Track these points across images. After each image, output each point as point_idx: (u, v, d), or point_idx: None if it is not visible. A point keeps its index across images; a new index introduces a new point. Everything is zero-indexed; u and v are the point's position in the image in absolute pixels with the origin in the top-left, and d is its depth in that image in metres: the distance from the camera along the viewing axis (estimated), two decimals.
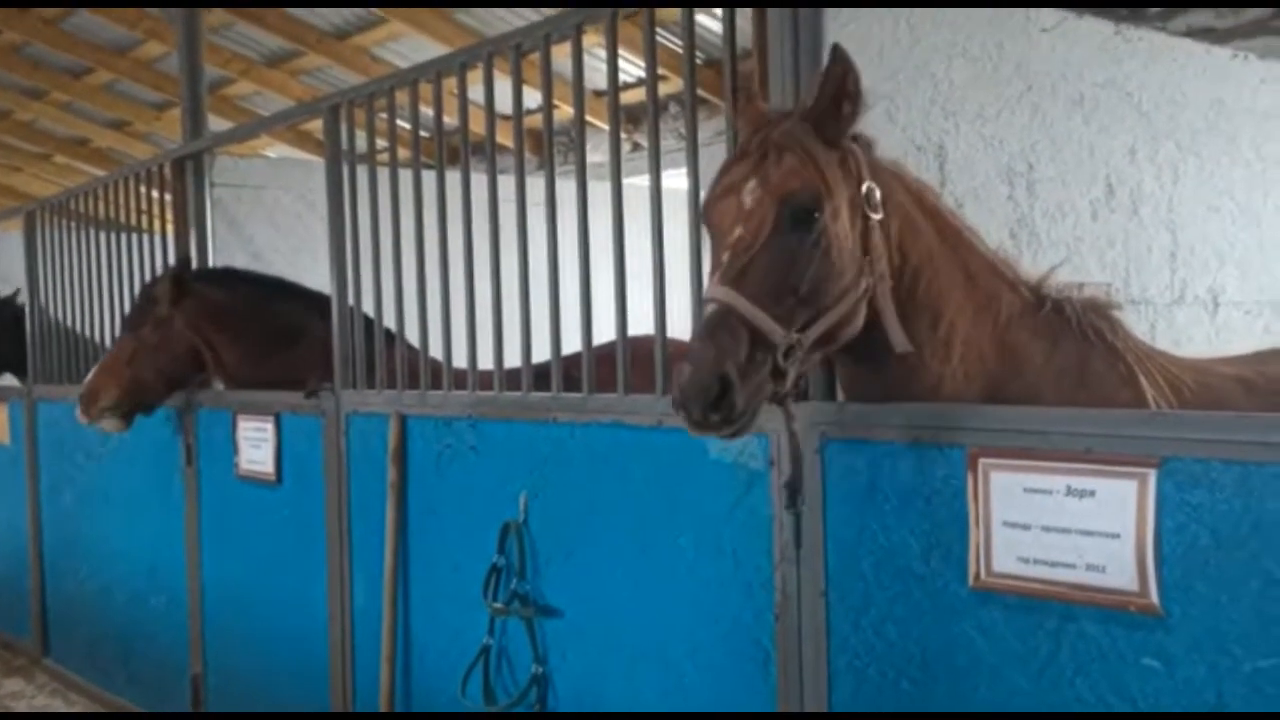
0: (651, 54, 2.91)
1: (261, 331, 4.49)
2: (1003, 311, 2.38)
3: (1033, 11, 2.98)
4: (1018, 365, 2.39)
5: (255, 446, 4.40)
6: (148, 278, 5.16)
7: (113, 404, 4.50)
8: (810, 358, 2.19)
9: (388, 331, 3.94)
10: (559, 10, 3.15)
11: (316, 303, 4.41)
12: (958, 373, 2.34)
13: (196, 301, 4.53)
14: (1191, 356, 2.83)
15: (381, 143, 4.00)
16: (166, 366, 4.57)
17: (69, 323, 6.06)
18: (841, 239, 2.11)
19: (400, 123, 3.89)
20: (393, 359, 3.84)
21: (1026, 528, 2.13)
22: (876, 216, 2.19)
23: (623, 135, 3.11)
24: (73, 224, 6.03)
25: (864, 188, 2.19)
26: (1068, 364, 2.42)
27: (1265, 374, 2.77)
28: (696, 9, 2.80)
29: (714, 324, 2.03)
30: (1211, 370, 2.73)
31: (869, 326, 2.24)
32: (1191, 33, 5.66)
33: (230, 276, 4.77)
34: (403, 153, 3.91)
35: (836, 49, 2.17)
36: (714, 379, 1.99)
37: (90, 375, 4.59)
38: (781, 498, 2.54)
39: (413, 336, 3.82)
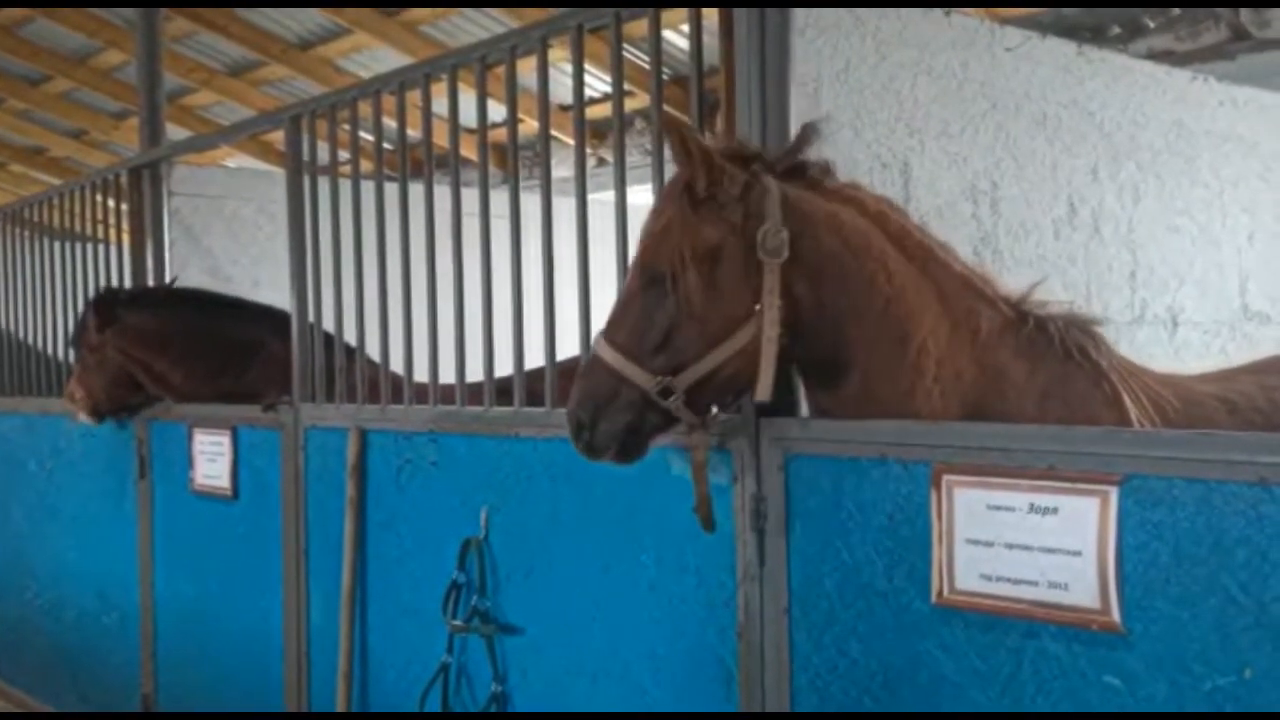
0: (618, 69, 2.90)
1: (208, 352, 4.42)
2: (981, 330, 2.35)
3: (997, 30, 3.01)
4: (999, 386, 2.36)
5: (211, 460, 4.33)
6: (103, 288, 5.07)
7: (85, 406, 4.63)
8: (706, 396, 2.32)
9: (347, 346, 3.89)
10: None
11: (267, 318, 4.35)
12: (933, 393, 2.32)
13: (125, 328, 4.48)
14: (1169, 372, 2.81)
15: (343, 154, 3.95)
16: (106, 390, 4.58)
17: (22, 334, 5.93)
18: (693, 293, 2.26)
19: (363, 134, 3.84)
20: (353, 373, 3.79)
21: (989, 545, 2.13)
22: (773, 260, 2.24)
23: (588, 150, 3.09)
24: (27, 233, 5.92)
25: (761, 231, 2.23)
26: (1050, 384, 2.39)
27: (1244, 392, 2.76)
28: (667, 26, 2.80)
29: (583, 371, 2.40)
30: (1193, 389, 2.71)
31: (825, 355, 2.34)
32: (1152, 55, 5.76)
33: (170, 297, 4.69)
34: (365, 165, 3.88)
35: (671, 120, 2.42)
36: (572, 418, 2.37)
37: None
38: (746, 514, 2.53)
39: (374, 350, 3.77)
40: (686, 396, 2.28)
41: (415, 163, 4.56)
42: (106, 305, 4.53)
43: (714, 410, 2.42)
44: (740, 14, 2.54)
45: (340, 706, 3.66)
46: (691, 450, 2.41)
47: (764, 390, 2.29)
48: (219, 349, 4.43)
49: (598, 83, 8.76)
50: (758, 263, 2.24)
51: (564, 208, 3.04)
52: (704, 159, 2.28)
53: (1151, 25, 6.10)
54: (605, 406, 2.31)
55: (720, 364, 2.27)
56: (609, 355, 2.32)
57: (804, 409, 2.56)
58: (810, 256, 2.29)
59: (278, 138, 10.40)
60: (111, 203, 5.27)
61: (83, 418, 4.68)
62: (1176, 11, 6.03)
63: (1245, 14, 5.73)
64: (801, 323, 2.32)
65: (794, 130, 2.54)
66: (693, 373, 2.27)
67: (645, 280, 2.32)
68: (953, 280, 2.38)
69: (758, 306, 2.25)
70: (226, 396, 4.33)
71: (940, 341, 2.33)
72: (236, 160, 11.95)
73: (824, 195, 2.36)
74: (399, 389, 3.60)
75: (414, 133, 3.80)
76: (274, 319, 4.27)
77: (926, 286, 2.34)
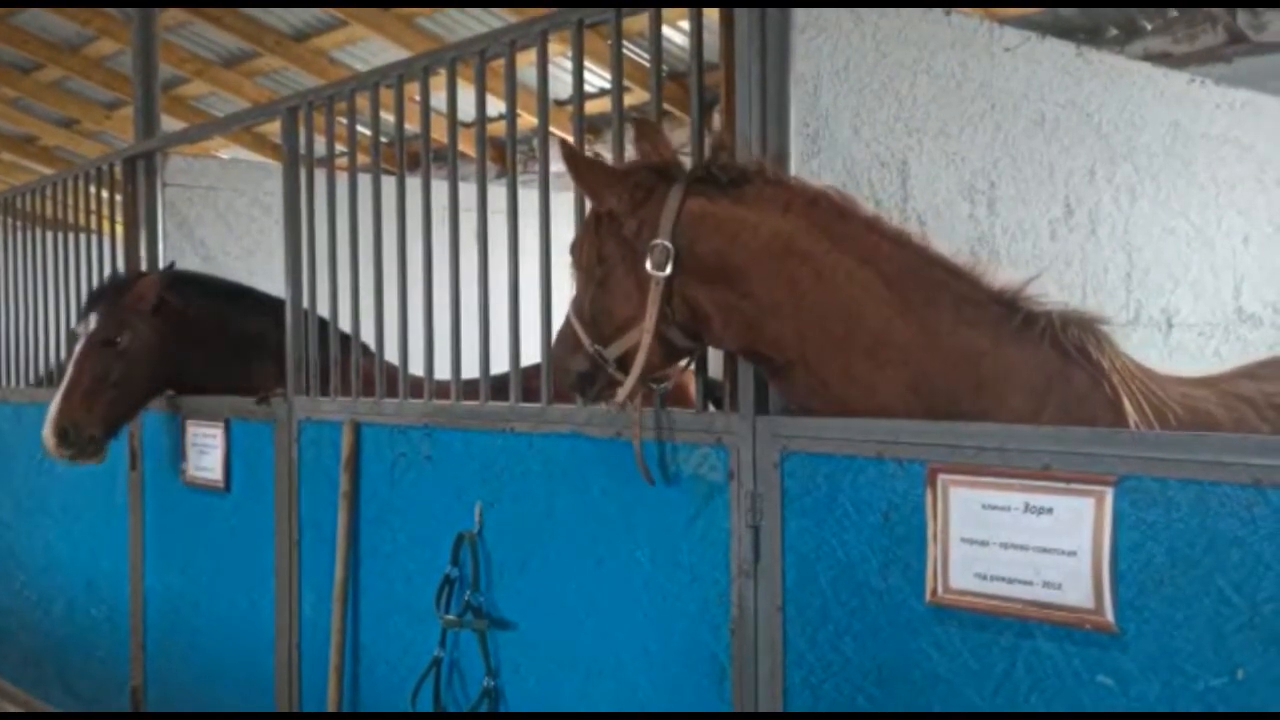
0: (618, 65, 2.90)
1: (222, 341, 4.34)
2: (944, 318, 2.34)
3: (996, 31, 3.01)
4: (972, 378, 2.34)
5: (203, 452, 4.31)
6: (94, 279, 5.04)
7: (100, 434, 4.10)
8: (630, 381, 2.48)
9: (344, 335, 3.87)
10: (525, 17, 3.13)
11: (278, 311, 4.30)
12: (890, 378, 2.33)
13: (169, 308, 4.26)
14: (1174, 375, 2.78)
15: (340, 147, 3.94)
16: (156, 375, 4.24)
17: (11, 324, 5.90)
18: (595, 293, 2.53)
19: (360, 128, 3.83)
20: (348, 364, 3.78)
21: (984, 544, 2.13)
22: (658, 274, 2.41)
23: (585, 145, 3.08)
24: (18, 223, 5.89)
25: (652, 245, 2.40)
26: (1045, 380, 2.35)
27: (1239, 396, 2.74)
28: (665, 22, 2.80)
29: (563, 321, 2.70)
30: (1200, 396, 2.67)
31: (756, 351, 2.45)
32: (1149, 57, 5.77)
33: (183, 280, 4.60)
34: (361, 158, 3.86)
35: (562, 144, 2.62)
36: (552, 355, 2.79)
37: (61, 403, 4.03)
38: (741, 511, 2.53)
39: (369, 344, 3.76)
40: (617, 365, 2.52)
41: (412, 156, 4.55)
42: (171, 281, 4.26)
43: (661, 382, 2.65)
44: (741, 12, 2.54)
45: (331, 701, 3.65)
46: (630, 413, 2.65)
47: (622, 392, 2.50)
48: (230, 339, 4.30)
49: (594, 78, 8.75)
50: (648, 275, 2.42)
51: (562, 202, 3.03)
52: (588, 176, 2.52)
53: (1149, 27, 6.12)
54: (569, 354, 2.63)
55: (626, 353, 2.50)
56: (572, 314, 2.63)
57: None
58: (709, 265, 2.40)
59: (271, 129, 10.41)
60: (105, 193, 5.24)
61: (88, 461, 4.10)
62: (1174, 14, 6.05)
63: (1242, 17, 5.75)
64: (712, 325, 2.45)
65: (794, 128, 2.55)
66: (610, 352, 2.53)
67: (574, 268, 2.62)
68: (905, 269, 2.36)
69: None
70: (232, 389, 4.25)
71: (891, 329, 2.33)
72: (229, 152, 11.91)
73: (737, 201, 2.40)
74: (394, 382, 3.59)
75: (412, 126, 3.79)
76: (281, 312, 4.17)
77: (868, 276, 2.34)
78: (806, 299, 2.35)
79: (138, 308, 4.21)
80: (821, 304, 2.35)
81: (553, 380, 2.85)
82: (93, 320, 4.21)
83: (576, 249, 2.62)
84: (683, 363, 2.68)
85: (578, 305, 2.60)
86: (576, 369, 2.61)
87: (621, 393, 2.53)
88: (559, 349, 2.69)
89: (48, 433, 4.02)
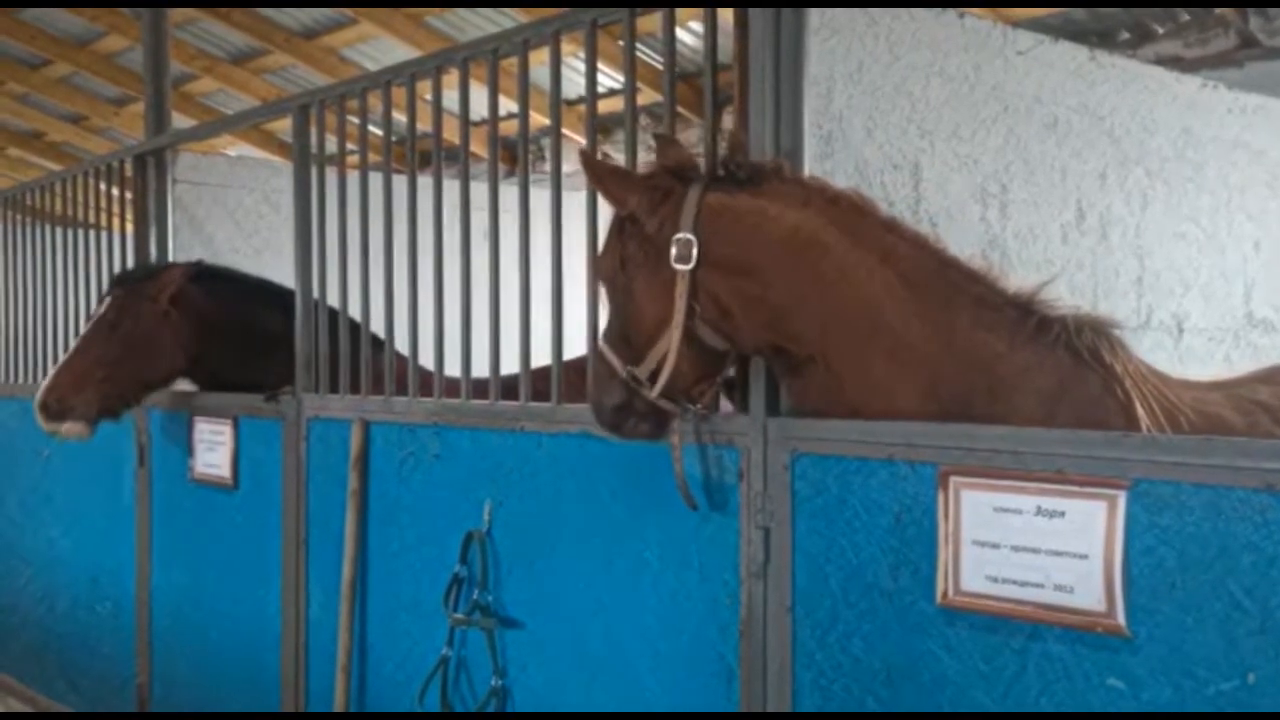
0: (631, 65, 2.90)
1: (247, 337, 4.29)
2: (962, 322, 2.35)
3: (1009, 34, 3.01)
4: (986, 381, 2.35)
5: (211, 449, 4.31)
6: (103, 276, 5.04)
7: (85, 408, 4.14)
8: (672, 389, 2.44)
9: (353, 323, 3.86)
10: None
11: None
12: (904, 379, 2.33)
13: (189, 301, 4.24)
14: (1187, 380, 2.78)
15: (350, 146, 3.95)
16: (157, 367, 4.24)
17: (19, 321, 5.92)
18: (623, 302, 2.49)
19: (371, 127, 3.84)
20: (358, 363, 3.78)
21: (996, 547, 2.13)
22: (683, 268, 2.37)
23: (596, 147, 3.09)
24: (26, 219, 5.90)
25: (674, 240, 2.37)
26: (1058, 385, 2.36)
27: (1263, 404, 2.74)
28: (676, 23, 2.80)
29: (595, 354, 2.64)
30: (1210, 399, 2.68)
31: (779, 346, 2.42)
32: (1160, 61, 5.76)
33: (210, 275, 4.51)
34: (372, 157, 3.87)
35: (582, 152, 2.64)
36: (589, 395, 2.61)
37: (53, 377, 4.16)
38: (751, 512, 2.53)
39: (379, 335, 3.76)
40: (650, 382, 2.44)
41: (422, 155, 4.56)
42: (199, 274, 4.24)
43: (694, 403, 2.55)
44: (756, 13, 2.54)
45: (338, 699, 3.66)
46: (670, 435, 2.55)
47: (656, 390, 2.43)
48: (252, 336, 4.27)
49: (605, 78, 8.75)
50: (673, 271, 2.37)
51: (573, 203, 3.04)
52: (608, 182, 2.51)
53: (1160, 31, 6.12)
54: (604, 387, 2.53)
55: (659, 363, 2.42)
56: (602, 342, 2.55)
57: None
58: (731, 256, 2.38)
59: (279, 127, 10.42)
60: (115, 190, 5.25)
61: (71, 432, 4.12)
62: (1185, 17, 6.05)
63: (1254, 21, 5.74)
64: (735, 320, 2.42)
65: (807, 129, 2.55)
66: (643, 369, 2.44)
67: (602, 284, 2.57)
68: (923, 270, 2.37)
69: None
70: (250, 387, 4.24)
71: (910, 330, 2.33)
72: (237, 149, 11.92)
73: (756, 195, 2.40)
74: (403, 380, 3.60)
75: (423, 126, 3.80)
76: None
77: (888, 275, 2.34)
78: (830, 292, 2.35)
79: (156, 297, 4.21)
80: (845, 299, 2.35)
81: (591, 414, 2.70)
82: (107, 303, 4.26)
83: (600, 261, 2.58)
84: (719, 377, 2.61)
85: (606, 327, 2.55)
86: (611, 403, 2.52)
87: (655, 389, 2.43)
88: (593, 389, 2.58)
89: (34, 405, 4.14)
